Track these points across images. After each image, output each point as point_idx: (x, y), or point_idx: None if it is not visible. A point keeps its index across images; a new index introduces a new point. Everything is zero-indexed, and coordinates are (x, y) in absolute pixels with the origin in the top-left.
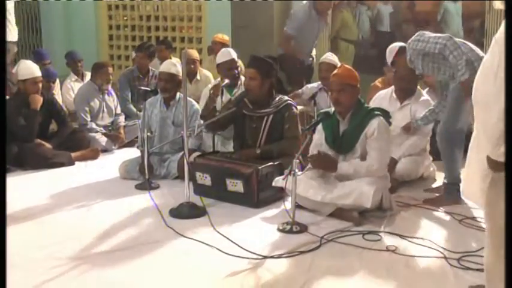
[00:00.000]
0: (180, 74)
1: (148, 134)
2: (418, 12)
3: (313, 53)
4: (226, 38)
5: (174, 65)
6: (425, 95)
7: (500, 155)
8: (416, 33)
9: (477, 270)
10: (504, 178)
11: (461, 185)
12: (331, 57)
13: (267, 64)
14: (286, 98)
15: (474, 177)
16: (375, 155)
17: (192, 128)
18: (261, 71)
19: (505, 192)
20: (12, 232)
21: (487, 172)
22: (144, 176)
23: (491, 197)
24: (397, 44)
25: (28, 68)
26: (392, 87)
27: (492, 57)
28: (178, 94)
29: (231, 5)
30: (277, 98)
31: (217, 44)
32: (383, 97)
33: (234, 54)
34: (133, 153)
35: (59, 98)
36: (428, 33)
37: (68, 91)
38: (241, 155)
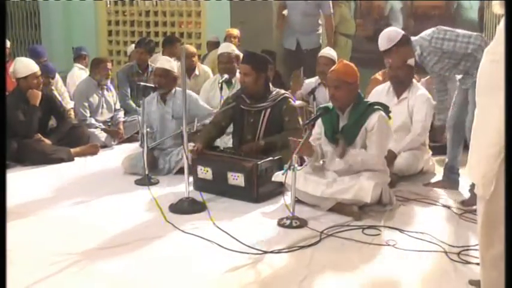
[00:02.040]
0: (176, 70)
1: (148, 129)
2: (418, 7)
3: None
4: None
5: (168, 60)
6: (421, 88)
7: None
8: (435, 30)
9: (477, 264)
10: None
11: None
12: (329, 51)
13: (261, 59)
14: (283, 91)
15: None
16: (375, 149)
17: (192, 125)
18: (255, 67)
19: (505, 191)
20: (11, 228)
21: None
22: (145, 171)
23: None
24: (398, 31)
25: (26, 65)
26: (389, 82)
27: (495, 47)
28: (174, 88)
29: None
30: (274, 92)
31: (236, 38)
32: (380, 92)
33: (234, 50)
34: (133, 148)
35: (63, 94)
36: (452, 31)
37: (73, 81)
38: (245, 148)
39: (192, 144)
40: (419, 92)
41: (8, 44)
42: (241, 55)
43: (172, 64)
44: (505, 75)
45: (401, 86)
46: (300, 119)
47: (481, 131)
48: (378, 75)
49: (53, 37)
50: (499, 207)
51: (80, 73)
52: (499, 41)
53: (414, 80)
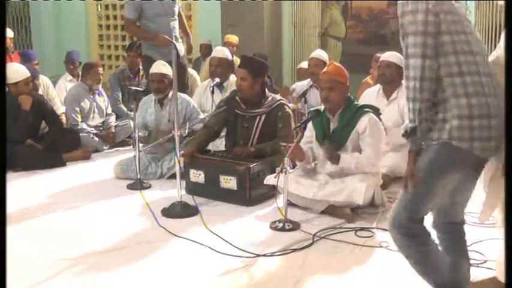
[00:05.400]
0: (171, 74)
1: (140, 134)
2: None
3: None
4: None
5: (164, 65)
6: None
7: None
8: None
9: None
10: None
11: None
12: (320, 53)
13: (258, 64)
14: (278, 97)
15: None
16: (370, 150)
17: (184, 129)
18: (252, 71)
19: (505, 191)
20: None
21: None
22: (137, 176)
23: None
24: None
25: (18, 71)
26: (379, 84)
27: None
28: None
29: (221, 3)
30: (269, 98)
31: (234, 46)
32: (371, 94)
33: (228, 55)
34: (124, 153)
35: (54, 99)
36: None
37: (61, 90)
38: (235, 152)
39: (182, 152)
40: None
41: (11, 34)
42: (235, 60)
43: (168, 68)
44: (505, 76)
45: (390, 87)
46: (292, 124)
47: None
48: (369, 79)
49: (44, 42)
50: None
51: (66, 85)
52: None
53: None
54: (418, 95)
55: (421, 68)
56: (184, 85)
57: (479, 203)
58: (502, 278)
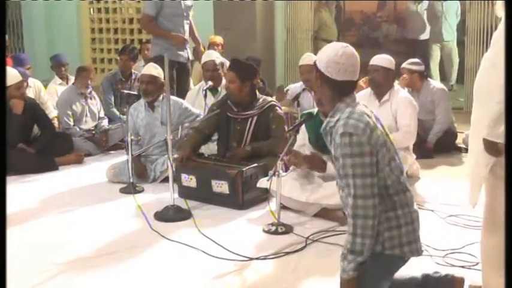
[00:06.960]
0: (162, 77)
1: (132, 137)
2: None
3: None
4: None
5: (155, 67)
6: (402, 90)
7: (498, 136)
8: None
9: (462, 267)
10: (504, 168)
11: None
12: (309, 57)
13: (246, 67)
14: (269, 99)
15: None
16: None
17: (176, 132)
18: (240, 74)
19: (504, 189)
20: None
21: (487, 161)
22: (130, 179)
23: (491, 186)
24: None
25: (9, 75)
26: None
27: (493, 53)
28: (162, 95)
29: (213, 6)
30: (260, 100)
31: (219, 45)
32: (362, 97)
33: (218, 57)
34: (117, 156)
35: (46, 102)
36: None
37: (52, 94)
38: (231, 155)
39: (176, 155)
40: (401, 95)
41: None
42: (225, 62)
43: (159, 71)
44: (505, 76)
45: (380, 89)
46: (285, 127)
47: (476, 139)
48: (362, 82)
49: (36, 46)
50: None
51: (56, 88)
52: (498, 47)
53: (396, 83)
54: (369, 232)
55: (372, 207)
56: (185, 91)
57: (468, 204)
58: None
